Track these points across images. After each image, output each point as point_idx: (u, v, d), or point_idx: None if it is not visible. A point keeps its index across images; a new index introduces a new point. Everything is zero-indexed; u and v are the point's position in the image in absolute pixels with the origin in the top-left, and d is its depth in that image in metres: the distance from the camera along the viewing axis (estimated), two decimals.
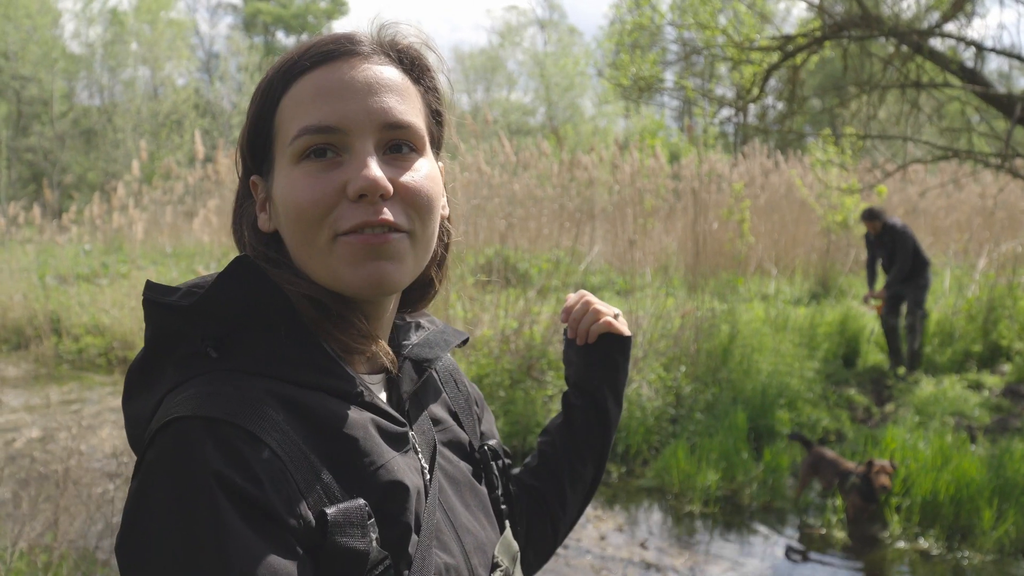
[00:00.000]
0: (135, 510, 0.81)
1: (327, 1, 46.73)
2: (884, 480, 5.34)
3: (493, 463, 1.16)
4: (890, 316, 8.68)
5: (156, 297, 0.93)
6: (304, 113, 0.94)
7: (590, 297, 1.34)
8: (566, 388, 1.41)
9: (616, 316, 1.33)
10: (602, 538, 5.48)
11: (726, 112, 10.36)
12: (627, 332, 1.34)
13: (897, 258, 8.51)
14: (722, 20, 9.17)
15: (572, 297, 1.35)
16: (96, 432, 6.72)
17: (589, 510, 5.99)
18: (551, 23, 45.18)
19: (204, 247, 14.46)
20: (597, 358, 1.33)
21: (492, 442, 1.18)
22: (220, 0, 46.56)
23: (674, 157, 16.35)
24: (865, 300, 8.88)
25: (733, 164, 15.98)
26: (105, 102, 34.32)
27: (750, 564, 5.18)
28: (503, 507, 1.16)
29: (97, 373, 9.85)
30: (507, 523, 1.15)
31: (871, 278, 8.96)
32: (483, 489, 1.13)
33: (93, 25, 35.03)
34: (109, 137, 30.83)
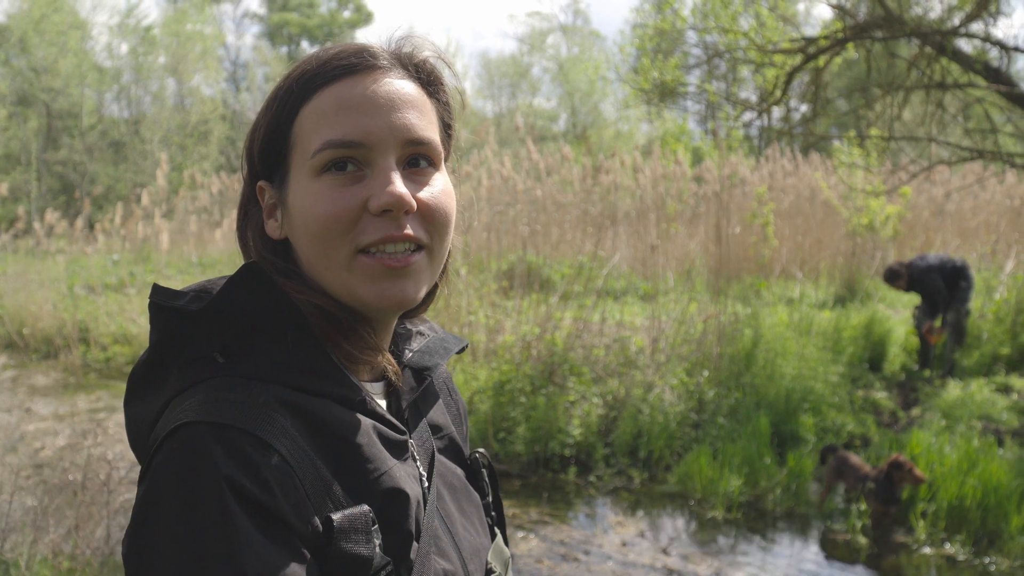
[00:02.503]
0: (144, 515, 0.82)
1: (351, 11, 47.05)
2: (917, 474, 5.28)
3: (483, 470, 1.17)
4: (926, 316, 8.60)
5: (163, 301, 0.94)
6: (327, 126, 0.95)
7: None
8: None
9: None
10: (624, 544, 5.46)
11: (749, 115, 10.29)
12: None
13: (932, 297, 8.45)
14: (744, 23, 9.14)
15: None
16: (122, 440, 6.80)
17: (611, 515, 5.97)
18: (574, 28, 45.19)
19: (230, 256, 14.58)
20: None
21: (481, 451, 1.19)
22: (246, 11, 46.98)
23: (697, 161, 16.28)
24: (927, 331, 8.63)
25: (755, 167, 15.90)
26: (133, 114, 34.72)
27: (774, 570, 5.14)
28: (492, 514, 1.17)
29: (124, 382, 9.94)
30: (496, 530, 1.16)
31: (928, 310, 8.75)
32: (476, 495, 1.14)
33: (123, 38, 35.46)
34: (137, 148, 31.18)
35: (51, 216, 15.30)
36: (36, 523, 3.68)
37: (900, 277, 8.54)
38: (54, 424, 7.94)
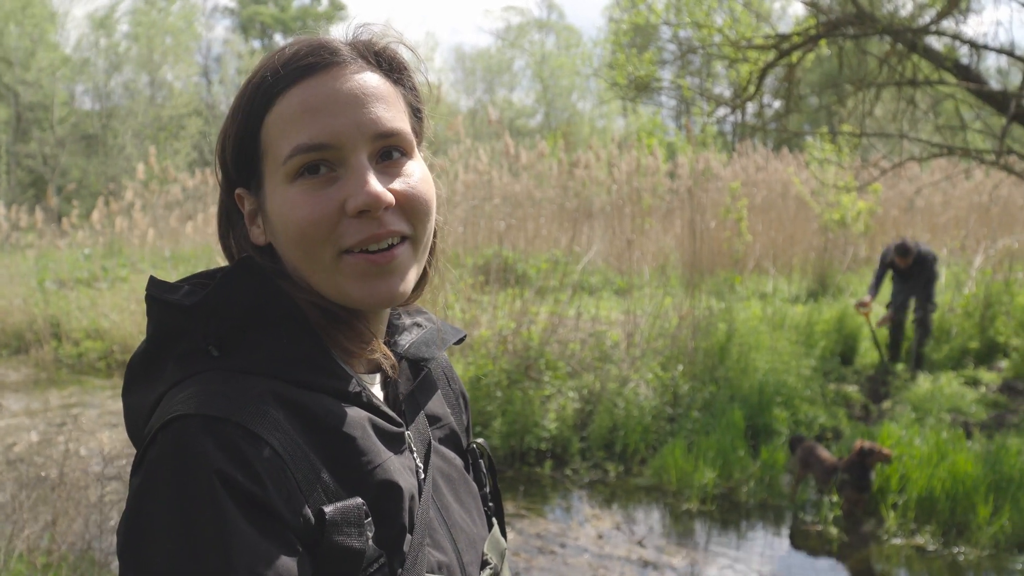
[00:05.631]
0: (137, 508, 0.82)
1: (325, 4, 46.73)
2: (886, 452, 5.38)
3: (480, 460, 1.18)
4: (898, 312, 8.70)
5: (159, 294, 0.94)
6: (294, 131, 0.94)
7: None
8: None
9: None
10: (600, 536, 5.50)
11: (723, 111, 10.35)
12: None
13: (926, 283, 8.53)
14: (718, 19, 9.19)
15: None
16: (95, 435, 6.75)
17: (587, 509, 6.01)
18: (549, 23, 45.19)
19: (204, 251, 14.48)
20: None
21: (480, 440, 1.20)
22: (216, 3, 46.51)
23: (671, 156, 16.37)
24: (859, 305, 8.72)
25: (727, 163, 16.01)
26: (105, 107, 34.30)
27: (747, 561, 5.20)
28: (490, 504, 1.17)
29: (97, 377, 9.87)
30: (494, 521, 1.16)
31: (876, 287, 8.81)
32: (475, 486, 1.14)
33: (97, 30, 35.01)
34: (109, 142, 30.85)
35: (16, 212, 15.13)
36: (11, 519, 3.65)
37: (910, 254, 8.55)
38: (26, 420, 7.86)
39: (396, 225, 0.96)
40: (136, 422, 0.95)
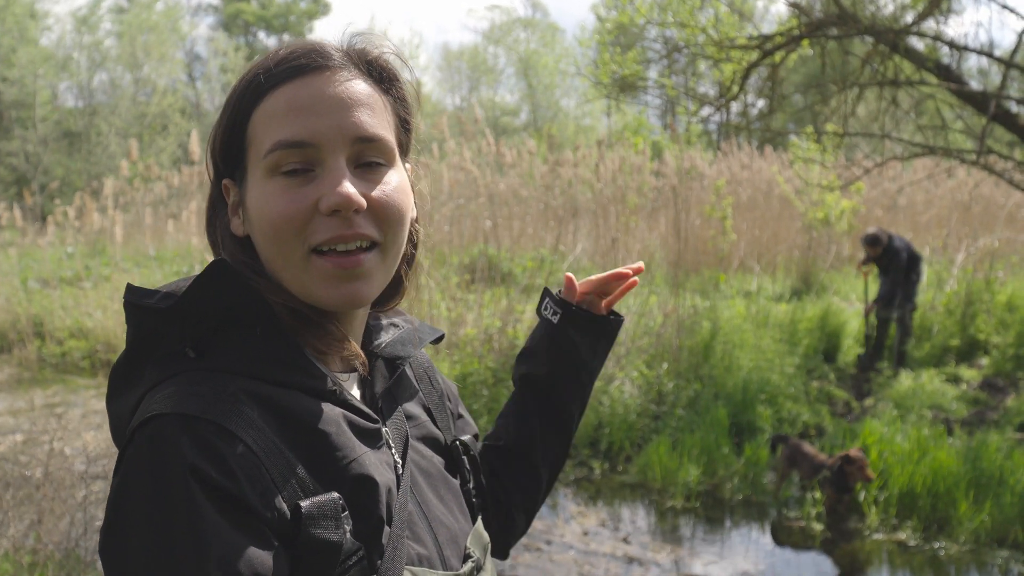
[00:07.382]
0: (115, 506, 0.84)
1: (308, 1, 46.58)
2: (868, 473, 5.42)
3: (464, 457, 1.20)
4: (884, 310, 8.77)
5: (136, 300, 0.96)
6: (277, 127, 0.97)
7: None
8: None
9: None
10: (585, 533, 5.53)
11: (707, 110, 10.40)
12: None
13: (907, 282, 8.60)
14: (702, 18, 9.23)
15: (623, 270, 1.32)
16: (80, 435, 6.73)
17: (572, 506, 6.04)
18: (533, 22, 45.19)
19: (187, 250, 14.42)
20: (604, 334, 1.35)
21: (465, 437, 1.22)
22: (200, 1, 46.29)
23: (656, 155, 16.42)
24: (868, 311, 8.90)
25: (712, 161, 16.08)
26: (88, 104, 34.07)
27: (731, 557, 5.24)
28: (475, 499, 1.19)
29: (81, 376, 9.83)
30: (479, 515, 1.18)
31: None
32: (456, 482, 1.16)
33: (79, 27, 34.78)
34: (93, 140, 30.67)
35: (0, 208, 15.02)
36: None
37: (880, 244, 8.61)
38: (9, 419, 7.83)
39: (365, 228, 0.98)
40: (119, 426, 0.97)
